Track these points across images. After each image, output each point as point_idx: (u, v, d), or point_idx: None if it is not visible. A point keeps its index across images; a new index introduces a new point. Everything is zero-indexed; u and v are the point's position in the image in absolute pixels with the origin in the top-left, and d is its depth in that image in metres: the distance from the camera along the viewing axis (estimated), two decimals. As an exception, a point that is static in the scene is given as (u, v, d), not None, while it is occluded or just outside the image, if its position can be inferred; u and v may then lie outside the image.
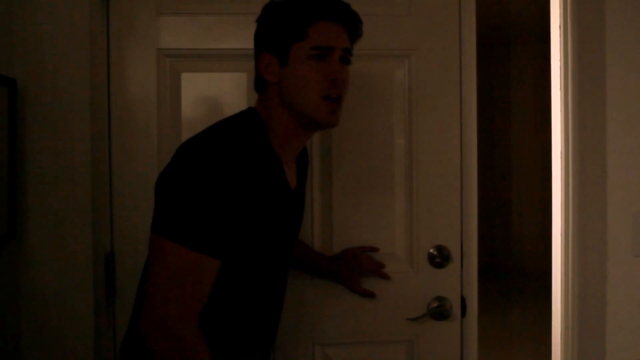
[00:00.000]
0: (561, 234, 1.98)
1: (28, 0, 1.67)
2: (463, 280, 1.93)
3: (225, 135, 1.29)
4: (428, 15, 1.90)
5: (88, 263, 1.71)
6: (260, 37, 1.38)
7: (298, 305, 1.86)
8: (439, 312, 1.89)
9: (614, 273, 1.95)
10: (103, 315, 1.78)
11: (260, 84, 1.39)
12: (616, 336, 1.96)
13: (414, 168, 1.90)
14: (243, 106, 1.81)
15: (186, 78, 1.82)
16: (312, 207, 1.87)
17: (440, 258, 1.90)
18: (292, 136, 1.38)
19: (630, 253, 1.95)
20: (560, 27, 1.96)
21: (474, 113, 1.94)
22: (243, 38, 1.76)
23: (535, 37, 6.90)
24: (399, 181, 1.91)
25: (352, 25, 1.38)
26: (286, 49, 1.31)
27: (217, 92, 1.85)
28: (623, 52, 1.94)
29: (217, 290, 1.29)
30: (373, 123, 1.90)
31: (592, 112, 1.94)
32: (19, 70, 1.65)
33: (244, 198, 1.24)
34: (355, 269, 1.85)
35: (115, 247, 1.80)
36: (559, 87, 1.98)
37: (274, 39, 1.33)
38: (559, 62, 1.97)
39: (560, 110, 1.97)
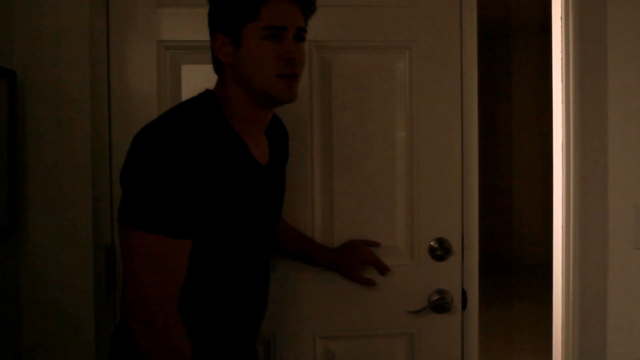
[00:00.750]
0: (562, 227, 1.98)
1: (27, -7, 1.67)
2: (464, 273, 1.93)
3: (178, 117, 1.30)
4: (429, 6, 1.89)
5: (89, 256, 1.71)
6: (212, 17, 1.37)
7: (299, 298, 1.86)
8: (440, 304, 1.89)
9: (614, 266, 1.96)
10: (104, 308, 1.78)
11: (216, 64, 1.39)
12: (617, 329, 1.97)
13: (415, 160, 1.90)
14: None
15: (186, 70, 1.82)
16: (313, 199, 1.87)
17: (441, 251, 1.90)
18: (250, 113, 1.38)
19: (631, 246, 1.96)
20: (561, 18, 1.96)
21: (475, 105, 1.93)
22: (243, 30, 1.76)
23: (536, 30, 6.89)
24: (400, 174, 1.91)
25: (306, 3, 1.37)
26: (239, 30, 1.31)
27: (218, 84, 1.84)
28: (625, 45, 1.94)
29: (194, 273, 1.30)
30: (374, 115, 1.90)
31: (593, 105, 1.94)
32: (19, 62, 1.65)
33: (204, 176, 1.25)
34: (356, 259, 1.85)
35: (116, 240, 1.79)
36: (560, 79, 1.97)
37: (226, 19, 1.33)
38: (560, 54, 1.97)
39: (562, 103, 1.96)
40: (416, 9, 1.89)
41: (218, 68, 1.40)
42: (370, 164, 1.90)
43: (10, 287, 1.65)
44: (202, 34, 1.79)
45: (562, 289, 2.00)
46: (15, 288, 1.67)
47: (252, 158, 1.39)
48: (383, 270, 1.87)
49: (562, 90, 1.96)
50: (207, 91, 1.41)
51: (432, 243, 1.91)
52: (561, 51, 1.96)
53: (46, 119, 1.67)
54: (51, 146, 1.68)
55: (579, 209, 1.94)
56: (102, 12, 1.78)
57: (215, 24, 1.36)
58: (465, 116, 1.92)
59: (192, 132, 1.26)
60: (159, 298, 1.24)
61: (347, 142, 1.88)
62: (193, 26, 1.79)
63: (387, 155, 1.90)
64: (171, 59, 1.81)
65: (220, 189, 1.29)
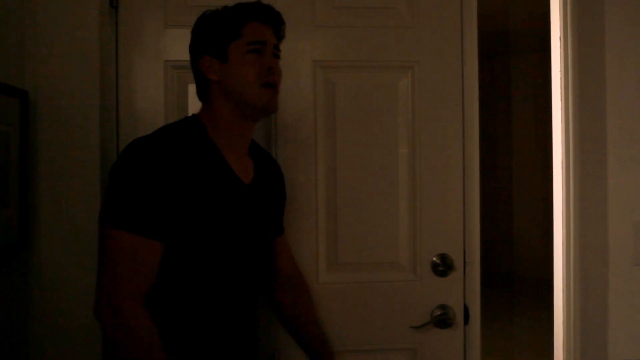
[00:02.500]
0: (563, 243, 2.00)
1: (39, 14, 1.71)
2: (466, 288, 1.95)
3: (160, 131, 1.43)
4: (431, 27, 1.93)
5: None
6: (197, 44, 1.50)
7: (303, 313, 1.87)
8: (442, 320, 1.91)
9: (615, 281, 1.97)
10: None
11: (201, 88, 1.51)
12: (618, 344, 1.97)
13: (417, 177, 1.93)
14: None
15: (193, 89, 1.80)
16: (317, 215, 1.90)
17: (443, 266, 1.92)
18: (235, 127, 1.48)
19: (631, 262, 1.97)
20: (560, 38, 1.99)
21: (476, 123, 1.96)
22: (249, 50, 1.80)
23: (536, 47, 6.94)
24: (402, 190, 1.93)
25: (277, 26, 1.53)
26: (225, 48, 1.45)
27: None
28: (623, 62, 1.97)
29: (172, 279, 1.38)
30: (377, 133, 1.93)
31: (592, 122, 1.96)
32: (30, 82, 1.69)
33: (178, 181, 1.34)
34: None
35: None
36: (559, 97, 2.00)
37: (212, 41, 1.46)
38: (559, 73, 2.00)
39: (561, 120, 1.99)
40: (418, 29, 1.93)
41: (202, 92, 1.51)
42: (373, 181, 1.92)
43: (21, 301, 1.67)
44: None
45: (562, 304, 2.01)
46: (26, 302, 1.69)
47: (231, 172, 1.47)
48: None
49: (561, 108, 1.99)
50: (190, 116, 1.52)
51: (434, 259, 1.93)
52: (560, 70, 1.99)
53: (57, 138, 1.71)
54: (61, 164, 1.71)
55: (579, 225, 1.96)
56: (111, 33, 1.82)
57: (201, 49, 1.49)
58: (467, 133, 1.95)
59: (169, 142, 1.38)
60: (125, 295, 1.31)
61: (351, 159, 1.91)
62: (200, 46, 1.83)
63: (389, 172, 1.93)
64: (178, 79, 1.85)
65: (194, 196, 1.37)
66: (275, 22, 1.52)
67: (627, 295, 1.97)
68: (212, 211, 1.40)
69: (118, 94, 1.83)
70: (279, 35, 1.54)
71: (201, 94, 1.52)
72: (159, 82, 1.84)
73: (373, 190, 1.92)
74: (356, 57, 1.91)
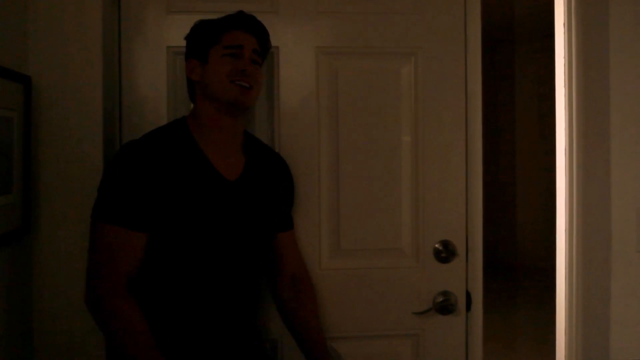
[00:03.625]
0: (565, 230, 1.99)
1: (42, 0, 1.70)
2: (468, 275, 1.96)
3: (147, 134, 1.56)
4: (434, 13, 1.92)
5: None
6: (187, 50, 1.64)
7: (305, 299, 1.88)
8: (444, 306, 1.91)
9: (618, 269, 1.97)
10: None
11: (189, 90, 1.65)
12: (620, 332, 1.97)
13: (419, 164, 1.93)
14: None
15: None
16: (320, 202, 1.90)
17: (445, 253, 1.93)
18: (216, 123, 1.58)
19: (634, 249, 1.97)
20: (564, 25, 1.98)
21: (479, 110, 1.96)
22: (252, 36, 1.80)
23: (539, 35, 6.91)
24: (405, 177, 1.94)
25: (261, 36, 1.64)
26: (206, 52, 1.58)
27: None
28: (627, 50, 1.96)
29: (155, 269, 1.49)
30: (379, 120, 1.93)
31: (596, 109, 1.95)
32: (34, 67, 1.69)
33: (158, 178, 1.47)
34: None
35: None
36: (563, 84, 1.99)
37: (196, 46, 1.61)
38: (563, 60, 1.99)
39: (565, 107, 1.98)
40: (421, 15, 1.92)
41: (190, 94, 1.65)
42: (376, 168, 1.93)
43: (24, 287, 1.68)
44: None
45: (565, 292, 2.01)
46: (29, 288, 1.70)
47: (211, 169, 1.55)
48: None
49: (565, 95, 1.98)
50: (180, 117, 1.65)
51: (436, 245, 1.93)
52: (564, 57, 1.98)
53: (60, 123, 1.71)
54: (64, 149, 1.71)
55: (582, 213, 1.95)
56: (114, 19, 1.82)
57: (188, 53, 1.63)
58: (470, 120, 1.95)
59: (153, 143, 1.51)
60: (107, 284, 1.43)
61: (354, 146, 1.91)
62: (202, 32, 1.82)
63: (392, 158, 1.93)
64: (180, 65, 1.84)
65: (174, 191, 1.48)
66: (259, 32, 1.63)
67: (630, 282, 1.97)
68: (190, 206, 1.50)
69: (121, 79, 1.84)
70: (264, 46, 1.65)
71: (190, 96, 1.65)
72: (162, 68, 1.83)
73: (376, 177, 1.92)
74: (359, 43, 1.91)
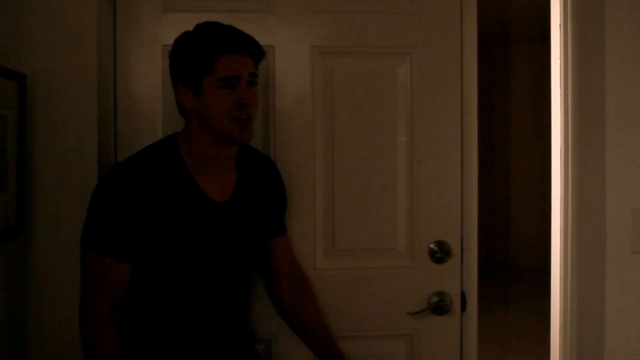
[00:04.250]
0: (560, 231, 1.99)
1: (37, -3, 1.70)
2: (463, 275, 1.96)
3: (134, 158, 1.53)
4: (430, 13, 1.92)
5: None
6: (174, 70, 1.53)
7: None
8: (439, 306, 1.91)
9: (613, 270, 1.97)
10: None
11: (181, 109, 1.55)
12: (615, 332, 1.97)
13: (415, 164, 1.93)
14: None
15: None
16: (315, 202, 1.90)
17: (440, 253, 1.93)
18: (211, 151, 1.53)
19: (629, 250, 1.97)
20: (560, 25, 1.98)
21: (474, 110, 1.96)
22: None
23: (535, 36, 6.92)
24: (401, 177, 1.93)
25: (256, 54, 1.54)
26: (198, 81, 1.47)
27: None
28: (623, 51, 1.96)
29: (141, 297, 1.50)
30: (375, 119, 1.92)
31: (591, 109, 1.95)
32: (29, 66, 1.68)
33: (145, 208, 1.44)
34: None
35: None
36: (558, 84, 1.99)
37: (186, 72, 1.49)
38: (559, 60, 1.99)
39: (560, 108, 1.98)
40: (417, 15, 1.92)
41: (183, 112, 1.55)
42: (371, 168, 1.92)
43: (18, 285, 1.68)
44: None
45: (560, 292, 2.01)
46: (24, 286, 1.69)
47: (200, 193, 1.52)
48: None
49: (560, 95, 1.98)
50: (175, 134, 1.58)
51: (431, 246, 1.93)
52: (560, 57, 1.98)
53: (54, 121, 1.70)
54: (59, 147, 1.71)
55: (577, 213, 1.96)
56: (109, 17, 1.81)
57: (177, 75, 1.52)
58: (465, 121, 1.95)
59: (140, 169, 1.48)
60: (92, 310, 1.46)
61: (349, 146, 1.91)
62: (198, 31, 1.82)
63: (388, 158, 1.93)
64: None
65: (162, 218, 1.46)
66: (253, 51, 1.53)
67: (625, 282, 1.97)
68: (178, 233, 1.48)
69: (116, 77, 1.83)
70: (258, 59, 1.55)
71: (181, 113, 1.56)
72: (157, 66, 1.83)
73: (371, 177, 1.92)
74: (355, 43, 1.90)
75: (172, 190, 1.48)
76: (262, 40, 1.84)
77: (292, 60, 1.88)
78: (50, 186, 1.70)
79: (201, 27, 1.51)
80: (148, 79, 1.83)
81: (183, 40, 1.52)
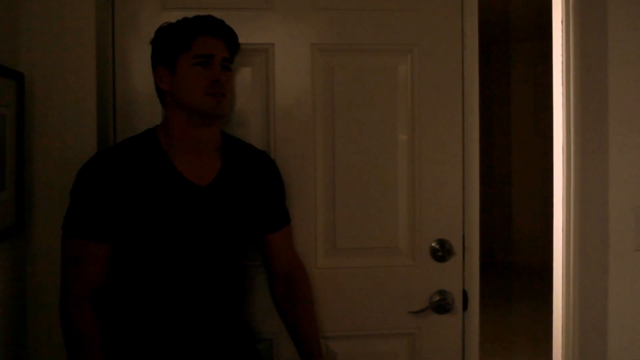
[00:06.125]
0: (562, 229, 1.99)
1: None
2: (465, 273, 1.95)
3: (114, 145, 1.63)
4: (431, 10, 1.91)
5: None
6: (153, 56, 1.62)
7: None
8: (441, 305, 1.90)
9: (615, 268, 1.96)
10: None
11: (160, 97, 1.62)
12: (617, 331, 1.97)
13: (416, 162, 1.92)
14: (246, 100, 1.85)
15: None
16: (315, 200, 1.89)
17: (442, 252, 1.92)
18: (189, 133, 1.57)
19: (632, 248, 1.97)
20: (562, 22, 1.97)
21: (475, 107, 1.95)
22: (247, 32, 1.79)
23: (536, 34, 6.91)
24: (402, 175, 1.92)
25: (229, 39, 1.62)
26: (174, 60, 1.56)
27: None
28: (625, 48, 1.96)
29: (123, 278, 1.54)
30: (375, 118, 1.92)
31: (593, 107, 1.95)
32: (27, 64, 1.67)
33: (121, 190, 1.49)
34: None
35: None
36: (560, 82, 1.99)
37: (164, 53, 1.58)
38: (560, 58, 1.98)
39: (562, 106, 1.98)
40: (418, 13, 1.91)
41: (161, 100, 1.63)
42: (372, 166, 1.92)
43: (17, 284, 1.67)
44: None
45: (562, 291, 2.00)
46: (23, 285, 1.69)
47: (178, 176, 1.55)
48: None
49: (562, 93, 1.98)
50: (153, 127, 1.64)
51: (433, 244, 1.92)
52: (561, 54, 1.98)
53: (53, 120, 1.70)
54: (58, 146, 1.70)
55: (579, 211, 1.95)
56: (108, 14, 1.81)
57: (156, 60, 1.60)
58: (466, 119, 1.94)
59: (119, 153, 1.55)
60: (70, 295, 1.50)
61: (350, 144, 1.90)
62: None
63: (389, 157, 1.92)
64: (176, 62, 1.83)
65: (139, 200, 1.50)
66: (227, 35, 1.61)
67: (628, 280, 1.97)
68: (156, 215, 1.51)
69: (115, 75, 1.82)
70: (233, 47, 1.63)
71: (161, 102, 1.63)
72: (156, 65, 1.82)
73: (372, 175, 1.91)
74: (355, 40, 1.90)
75: (149, 171, 1.53)
76: (262, 37, 1.85)
77: (292, 58, 1.87)
78: (49, 185, 1.70)
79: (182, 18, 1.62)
80: (147, 77, 1.81)
81: (164, 27, 1.62)
